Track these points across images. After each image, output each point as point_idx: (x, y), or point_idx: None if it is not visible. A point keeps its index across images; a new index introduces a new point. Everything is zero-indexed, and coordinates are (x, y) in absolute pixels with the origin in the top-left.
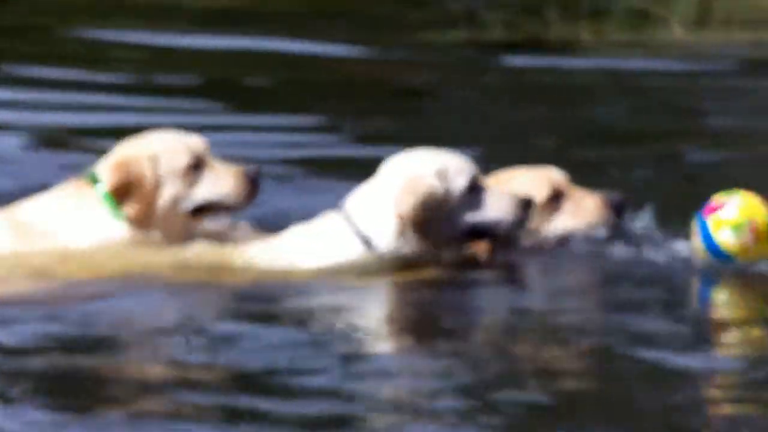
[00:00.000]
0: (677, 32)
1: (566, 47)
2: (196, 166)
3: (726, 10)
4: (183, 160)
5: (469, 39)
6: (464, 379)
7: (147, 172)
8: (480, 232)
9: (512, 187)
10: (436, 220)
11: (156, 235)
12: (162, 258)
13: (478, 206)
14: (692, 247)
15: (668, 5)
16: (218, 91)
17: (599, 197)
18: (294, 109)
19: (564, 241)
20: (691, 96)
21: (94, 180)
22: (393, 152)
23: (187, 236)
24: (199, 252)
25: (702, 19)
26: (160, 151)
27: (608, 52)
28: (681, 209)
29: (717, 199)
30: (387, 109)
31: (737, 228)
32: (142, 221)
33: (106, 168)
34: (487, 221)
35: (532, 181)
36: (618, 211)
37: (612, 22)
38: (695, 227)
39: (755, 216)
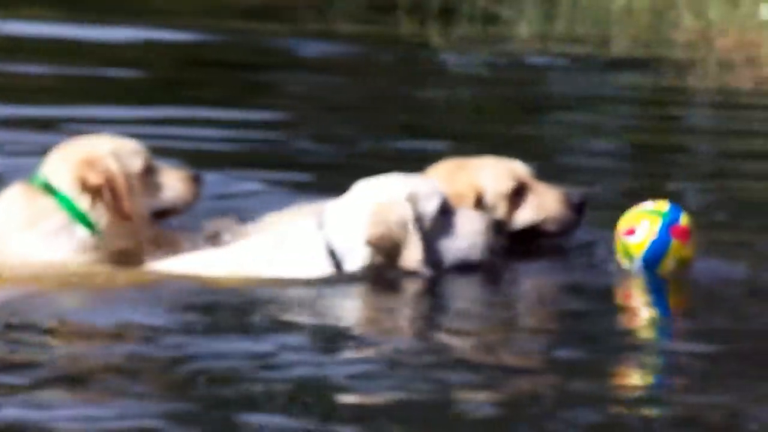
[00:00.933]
0: (524, 31)
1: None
2: (149, 170)
3: (571, 11)
4: (139, 162)
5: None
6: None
7: (117, 170)
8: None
9: (477, 179)
10: (407, 246)
11: (117, 239)
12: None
13: (449, 231)
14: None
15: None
16: None
17: (561, 192)
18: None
19: (527, 233)
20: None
21: (46, 186)
22: None
23: (142, 241)
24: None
25: (548, 19)
26: (117, 152)
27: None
28: None
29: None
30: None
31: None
32: (112, 222)
33: (70, 168)
34: (458, 249)
35: (497, 171)
36: (579, 207)
37: (461, 21)
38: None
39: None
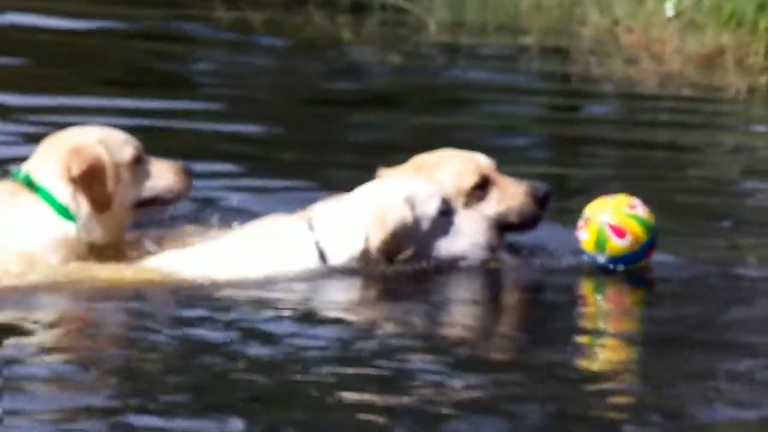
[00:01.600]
0: (433, 32)
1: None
2: (139, 161)
3: (481, 8)
4: (129, 152)
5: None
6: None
7: (105, 158)
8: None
9: (440, 172)
10: (407, 247)
11: (100, 231)
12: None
13: (450, 231)
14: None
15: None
16: None
17: (526, 185)
18: None
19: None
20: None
21: (26, 180)
22: None
23: (124, 231)
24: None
25: (457, 21)
26: (105, 141)
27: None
28: None
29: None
30: None
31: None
32: (98, 213)
33: (56, 158)
34: (460, 249)
35: (461, 166)
36: (543, 201)
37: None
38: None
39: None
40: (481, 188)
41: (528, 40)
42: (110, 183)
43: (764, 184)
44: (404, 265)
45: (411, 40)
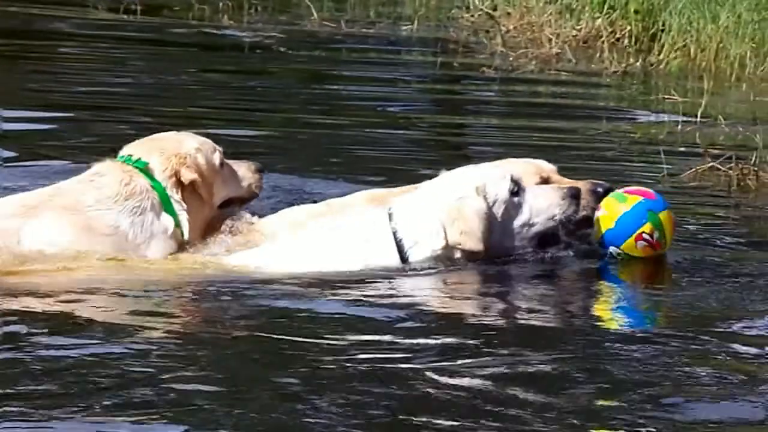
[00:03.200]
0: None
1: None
2: (223, 164)
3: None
4: (218, 157)
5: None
6: None
7: (205, 166)
8: (542, 236)
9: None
10: (487, 236)
11: (191, 230)
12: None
13: (523, 210)
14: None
15: None
16: None
17: (587, 183)
18: None
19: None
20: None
21: (143, 169)
22: None
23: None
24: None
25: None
26: (202, 148)
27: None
28: None
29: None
30: None
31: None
32: (197, 214)
33: (164, 161)
34: (538, 221)
35: (522, 168)
36: (603, 197)
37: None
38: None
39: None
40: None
41: (409, 25)
42: (211, 187)
43: (640, 163)
44: (484, 258)
45: (293, 27)
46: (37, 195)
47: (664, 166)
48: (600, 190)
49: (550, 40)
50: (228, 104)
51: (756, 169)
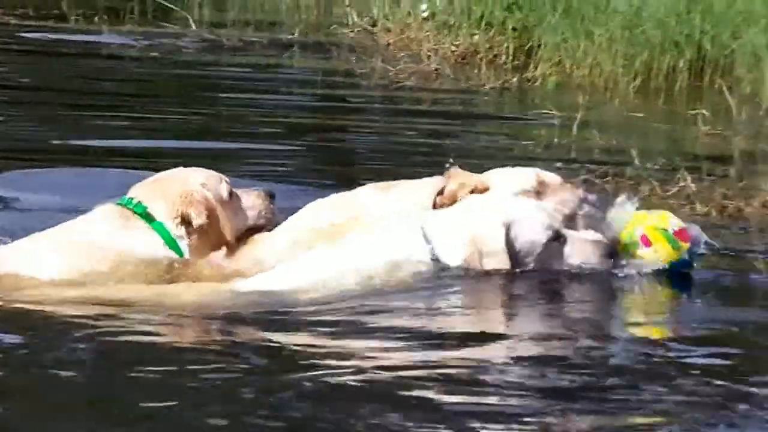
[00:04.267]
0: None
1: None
2: (232, 195)
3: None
4: (226, 189)
5: None
6: None
7: (214, 202)
8: None
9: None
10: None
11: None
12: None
13: (561, 256)
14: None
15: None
16: None
17: (575, 184)
18: None
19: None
20: None
21: (144, 213)
22: None
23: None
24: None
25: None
26: (208, 184)
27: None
28: None
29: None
30: None
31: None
32: (210, 250)
33: (170, 202)
34: (572, 267)
35: (521, 175)
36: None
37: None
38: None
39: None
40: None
41: (289, 39)
42: (221, 224)
43: None
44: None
45: (171, 33)
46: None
47: None
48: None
49: (428, 56)
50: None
51: (632, 182)
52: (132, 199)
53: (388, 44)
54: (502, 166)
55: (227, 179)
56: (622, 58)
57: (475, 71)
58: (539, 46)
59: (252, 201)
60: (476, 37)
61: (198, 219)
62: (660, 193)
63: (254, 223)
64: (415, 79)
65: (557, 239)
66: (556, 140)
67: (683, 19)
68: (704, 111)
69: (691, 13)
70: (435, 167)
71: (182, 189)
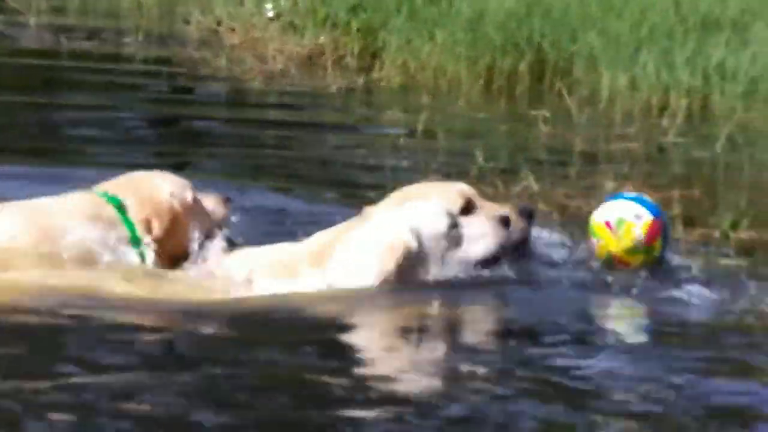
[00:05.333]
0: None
1: None
2: (195, 200)
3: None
4: (190, 195)
5: None
6: None
7: (179, 210)
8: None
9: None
10: (423, 268)
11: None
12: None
13: (461, 242)
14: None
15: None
16: None
17: (510, 206)
18: None
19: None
20: None
21: (118, 205)
22: None
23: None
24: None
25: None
26: (175, 192)
27: None
28: None
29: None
30: None
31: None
32: (170, 256)
33: (137, 205)
34: (474, 255)
35: (445, 193)
36: (530, 217)
37: None
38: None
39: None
40: (467, 211)
41: (131, 39)
42: (183, 229)
43: (366, 177)
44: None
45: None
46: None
47: (391, 179)
48: (526, 211)
49: (274, 57)
50: None
51: (476, 181)
52: (106, 192)
53: (233, 45)
54: (348, 168)
55: (191, 186)
56: (465, 60)
57: (321, 72)
58: (384, 47)
59: (213, 206)
60: (322, 37)
61: (157, 230)
62: (504, 192)
63: (213, 227)
64: (261, 80)
65: (455, 226)
66: (401, 141)
67: (523, 23)
68: (545, 112)
69: (530, 16)
70: (282, 169)
71: (152, 194)
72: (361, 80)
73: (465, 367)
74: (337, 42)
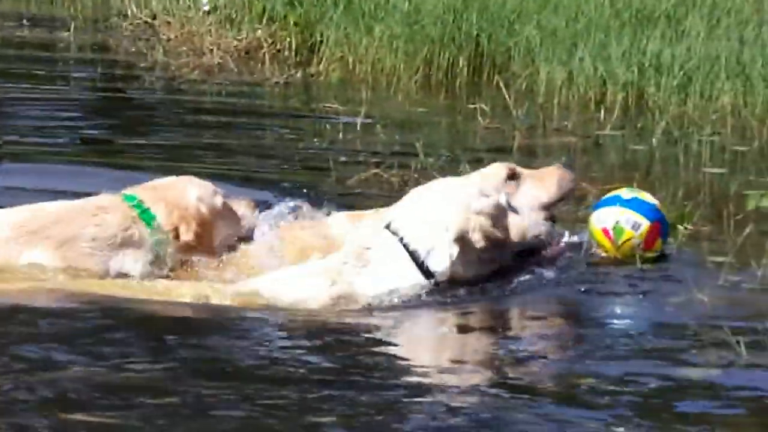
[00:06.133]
0: None
1: None
2: (225, 205)
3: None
4: (220, 201)
5: None
6: None
7: (207, 216)
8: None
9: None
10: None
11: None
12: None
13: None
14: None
15: None
16: None
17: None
18: None
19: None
20: None
21: (143, 213)
22: None
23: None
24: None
25: None
26: (202, 197)
27: None
28: None
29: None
30: None
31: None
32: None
33: (164, 213)
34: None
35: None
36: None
37: None
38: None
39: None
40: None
41: (66, 33)
42: (213, 237)
43: (306, 170)
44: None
45: None
46: (37, 219)
47: (332, 172)
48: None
49: (211, 50)
50: None
51: (416, 175)
52: (140, 203)
53: (169, 38)
54: (289, 161)
55: (220, 191)
56: (403, 54)
57: (259, 66)
58: (322, 41)
59: (242, 210)
60: (259, 31)
61: (185, 236)
62: None
63: (243, 233)
64: (198, 73)
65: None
66: (340, 135)
67: (461, 17)
68: (483, 106)
69: (468, 10)
70: (219, 164)
71: (180, 200)
72: (299, 74)
73: (470, 369)
74: (274, 36)
